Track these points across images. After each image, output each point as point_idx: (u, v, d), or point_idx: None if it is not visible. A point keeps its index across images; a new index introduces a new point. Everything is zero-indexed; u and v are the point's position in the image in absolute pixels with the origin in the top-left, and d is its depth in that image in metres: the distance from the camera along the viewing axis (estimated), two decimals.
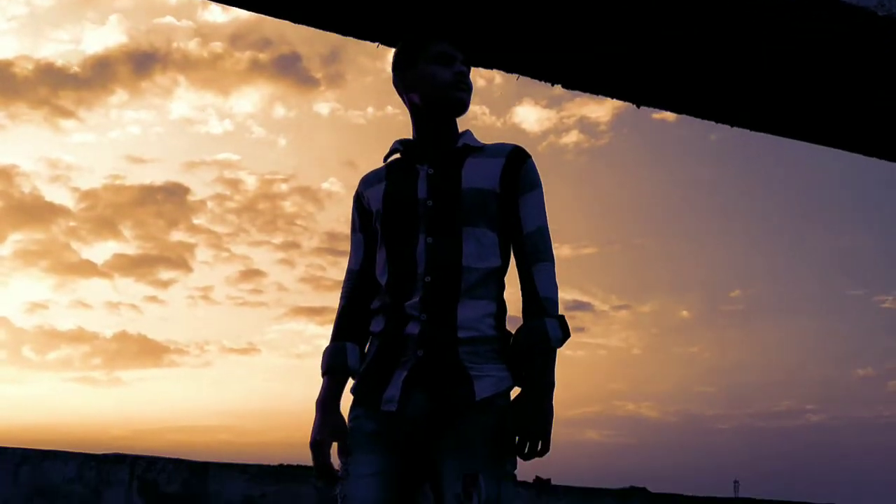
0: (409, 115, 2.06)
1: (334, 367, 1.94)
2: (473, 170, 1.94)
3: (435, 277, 1.86)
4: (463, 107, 2.02)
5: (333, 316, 2.08)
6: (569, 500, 2.91)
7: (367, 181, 2.06)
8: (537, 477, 2.82)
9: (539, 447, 1.81)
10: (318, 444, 1.88)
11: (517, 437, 1.81)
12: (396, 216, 1.93)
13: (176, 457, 2.76)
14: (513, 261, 1.98)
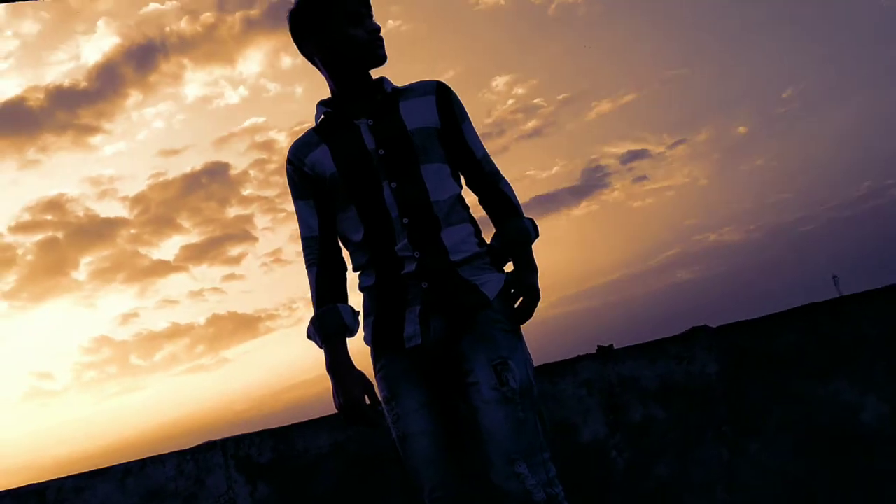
0: (321, 73, 2.08)
1: (333, 331, 1.97)
2: (411, 111, 2.01)
3: (412, 217, 1.95)
4: (382, 62, 2.04)
5: None
6: (634, 359, 2.99)
7: (302, 148, 2.08)
8: (599, 346, 2.86)
9: (534, 297, 2.00)
10: (355, 401, 1.91)
11: (520, 296, 1.99)
12: (354, 172, 1.98)
13: (262, 428, 2.94)
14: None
